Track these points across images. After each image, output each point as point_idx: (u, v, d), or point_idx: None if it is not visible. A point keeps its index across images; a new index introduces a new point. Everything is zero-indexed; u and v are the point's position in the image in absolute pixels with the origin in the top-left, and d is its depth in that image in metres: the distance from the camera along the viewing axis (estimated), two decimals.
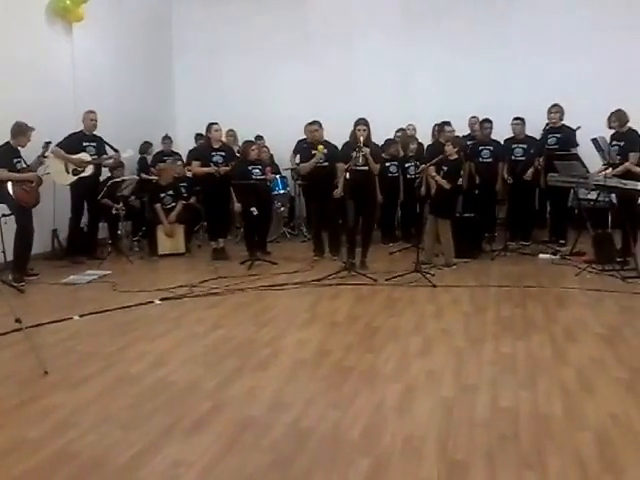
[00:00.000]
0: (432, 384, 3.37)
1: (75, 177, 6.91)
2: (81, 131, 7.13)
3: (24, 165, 6.13)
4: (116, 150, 7.18)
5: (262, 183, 7.05)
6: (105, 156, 7.16)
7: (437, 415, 2.95)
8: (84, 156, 6.95)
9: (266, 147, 8.84)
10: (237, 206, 7.17)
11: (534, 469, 2.44)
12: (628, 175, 6.30)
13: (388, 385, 3.35)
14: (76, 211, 7.11)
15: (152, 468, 2.50)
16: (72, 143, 6.94)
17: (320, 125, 7.06)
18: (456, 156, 6.59)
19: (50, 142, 6.38)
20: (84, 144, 7.03)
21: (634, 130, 6.46)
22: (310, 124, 7.20)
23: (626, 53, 8.47)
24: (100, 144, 7.15)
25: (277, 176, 8.22)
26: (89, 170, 6.95)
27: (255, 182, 6.87)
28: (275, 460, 2.54)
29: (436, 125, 8.28)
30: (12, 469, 2.51)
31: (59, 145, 6.83)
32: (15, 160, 6.03)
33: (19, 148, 6.08)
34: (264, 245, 7.34)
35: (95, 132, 7.18)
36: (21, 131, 6.02)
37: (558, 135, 7.47)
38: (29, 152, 6.24)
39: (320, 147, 6.88)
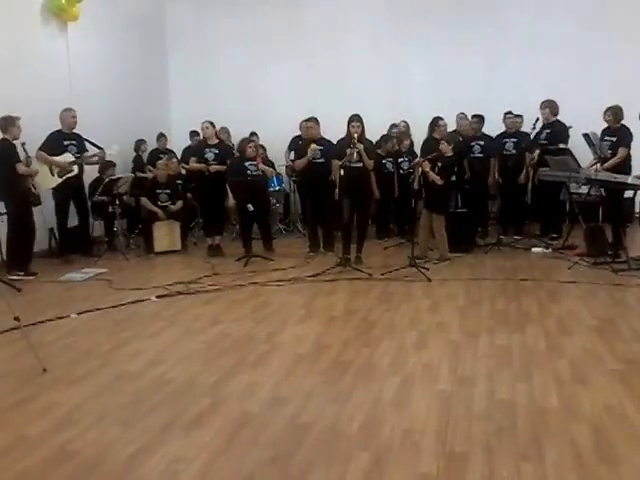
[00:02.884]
0: (429, 377, 3.40)
1: (62, 179, 6.77)
2: (60, 130, 6.96)
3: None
4: (100, 147, 7.06)
5: (258, 179, 7.04)
6: (88, 154, 7.03)
7: (435, 408, 2.98)
8: (67, 157, 6.81)
9: (262, 146, 8.78)
10: (232, 202, 7.16)
11: (531, 460, 2.47)
12: (617, 168, 6.37)
13: (386, 379, 3.37)
14: (61, 211, 7.00)
15: (151, 465, 2.51)
16: (53, 144, 6.79)
17: (317, 121, 7.07)
18: (451, 153, 6.61)
19: (24, 142, 6.23)
20: (65, 143, 6.90)
21: (627, 127, 6.53)
22: (306, 120, 7.21)
23: (616, 50, 8.50)
24: (80, 142, 7.03)
25: (271, 170, 8.01)
26: (76, 169, 6.86)
27: (250, 179, 6.87)
28: (274, 455, 2.56)
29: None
30: (12, 467, 2.52)
31: (41, 148, 6.69)
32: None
33: (14, 142, 6.04)
34: (269, 243, 7.32)
35: (76, 130, 7.06)
36: (10, 123, 5.97)
37: (549, 130, 7.52)
38: None
39: (313, 145, 6.90)
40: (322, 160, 6.93)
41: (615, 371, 3.43)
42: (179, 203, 7.67)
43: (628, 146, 6.48)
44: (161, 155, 8.50)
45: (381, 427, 2.79)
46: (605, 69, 8.48)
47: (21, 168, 5.98)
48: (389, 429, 2.77)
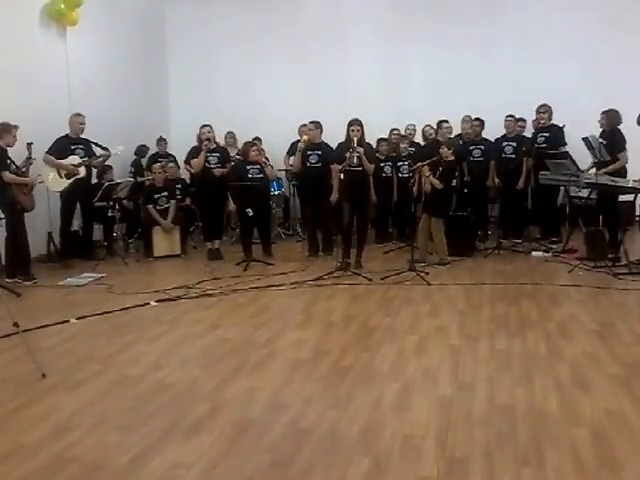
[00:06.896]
0: (429, 382, 3.40)
1: (70, 180, 6.86)
2: (67, 135, 7.04)
3: (15, 167, 6.12)
4: (105, 148, 7.13)
5: (261, 183, 7.05)
6: (95, 156, 7.11)
7: (435, 413, 2.98)
8: (74, 159, 6.90)
9: (263, 149, 8.76)
10: (232, 207, 7.18)
11: (532, 465, 2.46)
12: (615, 172, 6.41)
13: (385, 384, 3.37)
14: (67, 214, 7.06)
15: (151, 470, 2.50)
16: (60, 148, 6.87)
17: (316, 125, 7.04)
18: (452, 158, 6.62)
19: (32, 143, 6.30)
20: (72, 147, 6.97)
21: (618, 130, 6.61)
22: (310, 123, 7.21)
23: (613, 53, 8.52)
24: (87, 145, 7.09)
25: (272, 170, 7.75)
26: (82, 172, 6.93)
27: (251, 183, 6.88)
28: (274, 461, 2.56)
29: (426, 126, 8.36)
30: (11, 473, 2.51)
31: (48, 152, 6.78)
32: (8, 161, 6.03)
33: (7, 148, 6.04)
34: (269, 248, 7.31)
35: (82, 135, 7.11)
36: (5, 129, 5.97)
37: (546, 134, 7.54)
38: (11, 153, 6.15)
39: (305, 137, 6.92)
40: (320, 164, 6.95)
41: (615, 375, 3.42)
42: (172, 206, 7.62)
43: (622, 149, 6.52)
44: (160, 159, 8.51)
45: (381, 432, 2.78)
46: (606, 72, 8.49)
47: (7, 176, 5.96)
48: (389, 434, 2.76)
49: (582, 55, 8.65)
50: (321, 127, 7.07)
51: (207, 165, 7.22)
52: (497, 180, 7.81)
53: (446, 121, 7.64)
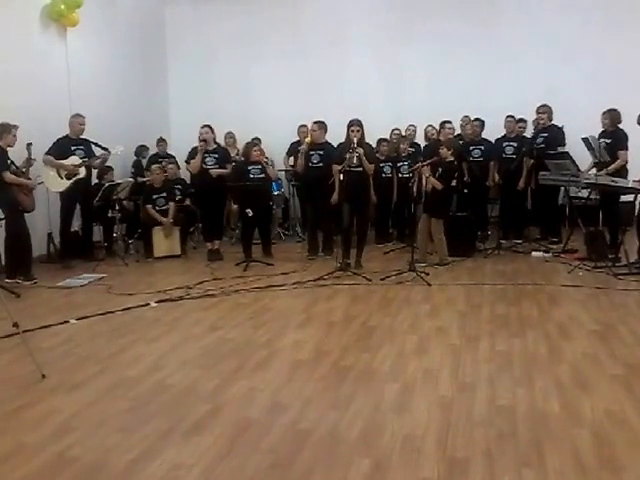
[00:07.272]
0: (429, 383, 3.39)
1: (70, 181, 6.87)
2: (67, 136, 7.05)
3: (15, 167, 6.13)
4: (105, 148, 7.13)
5: (262, 183, 7.04)
6: (95, 156, 7.12)
7: (435, 414, 2.97)
8: (74, 160, 6.91)
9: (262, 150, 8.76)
10: (234, 207, 7.18)
11: (532, 466, 2.46)
12: (617, 173, 6.42)
13: (386, 385, 3.37)
14: (67, 215, 7.07)
15: (151, 471, 2.50)
16: (61, 148, 6.89)
17: (320, 125, 7.01)
18: (452, 158, 6.62)
19: (31, 143, 6.31)
20: (72, 148, 6.98)
21: (621, 129, 6.62)
22: (304, 125, 7.21)
23: (614, 53, 8.52)
24: (87, 146, 7.10)
25: (274, 171, 7.76)
26: (83, 172, 6.94)
27: (251, 183, 6.88)
28: (274, 462, 2.55)
29: (429, 126, 8.38)
30: (11, 474, 2.51)
31: (48, 152, 6.79)
32: (9, 162, 6.03)
33: (8, 148, 6.04)
34: (269, 248, 7.31)
35: (82, 135, 7.12)
36: (5, 130, 5.97)
37: (545, 134, 7.55)
38: (11, 154, 6.16)
39: (307, 139, 6.93)
40: (321, 164, 6.94)
41: (616, 376, 3.42)
42: (171, 207, 7.63)
43: (625, 148, 6.54)
44: (160, 160, 8.52)
45: (381, 433, 2.78)
46: (606, 72, 8.49)
47: (8, 177, 5.96)
48: (389, 435, 2.76)
49: (582, 55, 8.66)
50: (325, 127, 7.02)
51: (204, 166, 7.21)
52: (497, 177, 7.81)
53: (449, 122, 7.66)
